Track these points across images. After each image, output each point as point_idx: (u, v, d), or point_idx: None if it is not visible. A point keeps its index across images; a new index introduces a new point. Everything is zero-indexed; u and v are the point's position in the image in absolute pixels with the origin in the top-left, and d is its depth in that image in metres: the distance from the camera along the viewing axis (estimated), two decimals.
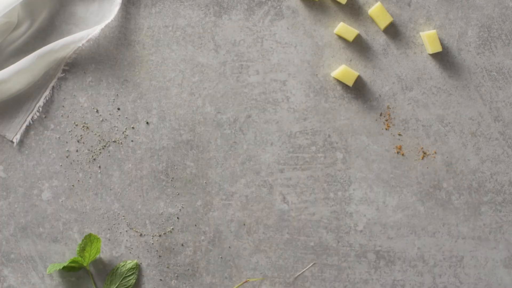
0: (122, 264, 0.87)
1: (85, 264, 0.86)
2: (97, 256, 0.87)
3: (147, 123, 0.89)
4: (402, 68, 0.89)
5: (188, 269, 0.88)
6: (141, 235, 0.88)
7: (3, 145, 0.89)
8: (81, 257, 0.86)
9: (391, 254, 0.88)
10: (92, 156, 0.88)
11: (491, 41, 0.89)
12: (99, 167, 0.88)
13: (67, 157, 0.88)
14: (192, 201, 0.88)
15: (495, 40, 0.89)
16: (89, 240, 0.86)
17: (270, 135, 0.89)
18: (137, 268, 0.88)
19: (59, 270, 0.87)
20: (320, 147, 0.89)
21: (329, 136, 0.89)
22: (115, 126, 0.89)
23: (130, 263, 0.87)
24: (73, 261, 0.86)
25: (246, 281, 0.88)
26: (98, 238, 0.86)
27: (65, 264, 0.86)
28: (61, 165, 0.88)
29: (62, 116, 0.89)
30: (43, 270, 0.88)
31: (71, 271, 0.87)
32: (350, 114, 0.89)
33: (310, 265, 0.88)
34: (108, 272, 0.88)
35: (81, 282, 0.88)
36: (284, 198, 0.88)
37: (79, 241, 0.88)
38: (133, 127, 0.89)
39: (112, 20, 0.88)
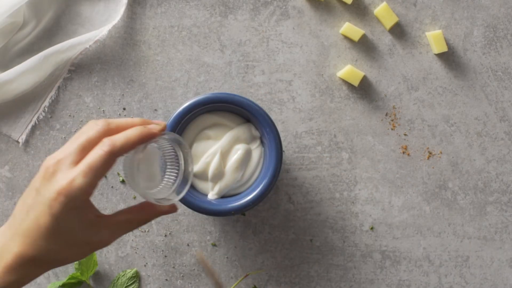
0: (122, 274, 0.87)
1: (84, 279, 0.86)
2: (96, 268, 0.87)
3: None
4: (408, 68, 0.89)
5: (194, 269, 0.88)
6: (147, 235, 0.88)
7: (8, 145, 0.89)
8: (80, 272, 0.86)
9: (396, 254, 0.88)
10: None
11: (496, 41, 0.89)
12: None
13: None
14: None
15: (501, 40, 0.89)
16: None
17: None
18: (138, 276, 0.88)
19: (59, 286, 0.87)
20: (326, 147, 0.89)
21: (334, 136, 0.89)
22: None
23: (130, 272, 0.87)
24: (72, 277, 0.86)
25: (247, 275, 0.88)
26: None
27: (64, 281, 0.86)
28: None
29: (68, 116, 0.89)
30: None
31: (72, 287, 0.87)
32: (356, 114, 0.89)
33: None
34: (109, 283, 0.88)
35: None
36: (290, 198, 0.88)
37: None
38: None
39: (118, 20, 0.88)
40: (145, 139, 0.63)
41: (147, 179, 0.65)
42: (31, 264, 0.62)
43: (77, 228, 0.62)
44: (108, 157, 0.61)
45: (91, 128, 0.63)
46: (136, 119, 0.65)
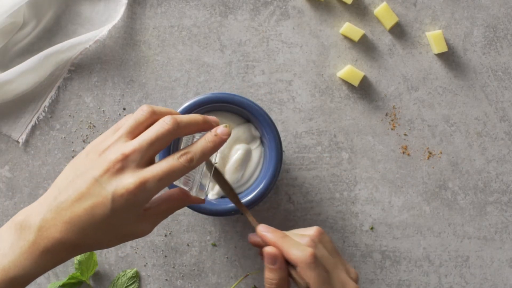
0: (122, 274, 0.88)
1: (84, 279, 0.86)
2: (96, 268, 0.87)
3: None
4: (408, 68, 0.89)
5: (194, 269, 0.88)
6: (147, 235, 0.88)
7: (8, 145, 0.89)
8: (80, 272, 0.86)
9: (396, 254, 0.88)
10: None
11: (496, 41, 0.89)
12: None
13: (73, 157, 0.88)
14: None
15: (501, 40, 0.89)
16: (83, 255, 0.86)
17: None
18: (138, 276, 0.88)
19: (59, 286, 0.87)
20: (326, 147, 0.89)
21: (334, 136, 0.89)
22: None
23: (130, 272, 0.88)
24: (72, 277, 0.86)
25: (247, 275, 0.88)
26: (92, 251, 0.86)
27: (64, 281, 0.86)
28: (66, 165, 0.88)
29: (68, 116, 0.89)
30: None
31: (72, 287, 0.87)
32: (356, 114, 0.89)
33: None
34: (109, 283, 0.88)
35: None
36: (290, 198, 0.88)
37: None
38: None
39: (118, 20, 0.88)
40: (219, 147, 0.65)
41: None
42: (71, 250, 0.62)
43: (129, 222, 0.63)
44: (186, 170, 0.63)
45: (161, 126, 0.63)
46: (198, 117, 0.66)
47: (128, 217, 0.62)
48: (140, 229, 0.64)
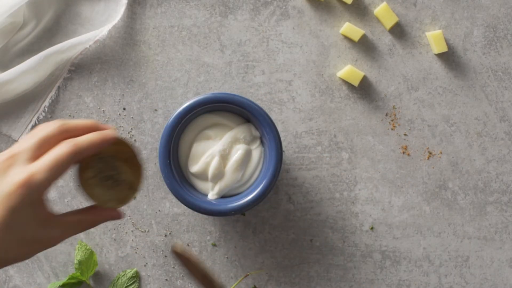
0: (122, 274, 0.88)
1: (84, 279, 0.86)
2: (96, 268, 0.87)
3: (153, 123, 0.89)
4: (408, 68, 0.89)
5: None
6: (147, 235, 0.88)
7: (8, 145, 0.89)
8: (80, 272, 0.86)
9: (396, 254, 0.88)
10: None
11: (496, 41, 0.89)
12: None
13: None
14: None
15: (501, 40, 0.89)
16: (83, 253, 0.86)
17: None
18: (138, 276, 0.88)
19: (59, 286, 0.87)
20: (326, 147, 0.89)
21: (334, 136, 0.89)
22: (120, 126, 0.89)
23: (130, 272, 0.88)
24: (72, 277, 0.86)
25: (247, 275, 0.88)
26: (92, 251, 0.86)
27: (64, 281, 0.86)
28: None
29: (67, 116, 0.89)
30: (49, 270, 0.89)
31: (72, 287, 0.87)
32: (356, 114, 0.89)
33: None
34: (109, 283, 0.88)
35: None
36: (290, 198, 0.88)
37: (84, 242, 0.88)
38: (138, 127, 0.89)
39: (118, 20, 0.88)
40: (107, 143, 0.63)
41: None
42: None
43: (30, 224, 0.60)
44: (73, 156, 0.60)
45: (47, 126, 0.62)
46: (89, 121, 0.65)
47: (28, 218, 0.60)
48: (47, 237, 0.62)
